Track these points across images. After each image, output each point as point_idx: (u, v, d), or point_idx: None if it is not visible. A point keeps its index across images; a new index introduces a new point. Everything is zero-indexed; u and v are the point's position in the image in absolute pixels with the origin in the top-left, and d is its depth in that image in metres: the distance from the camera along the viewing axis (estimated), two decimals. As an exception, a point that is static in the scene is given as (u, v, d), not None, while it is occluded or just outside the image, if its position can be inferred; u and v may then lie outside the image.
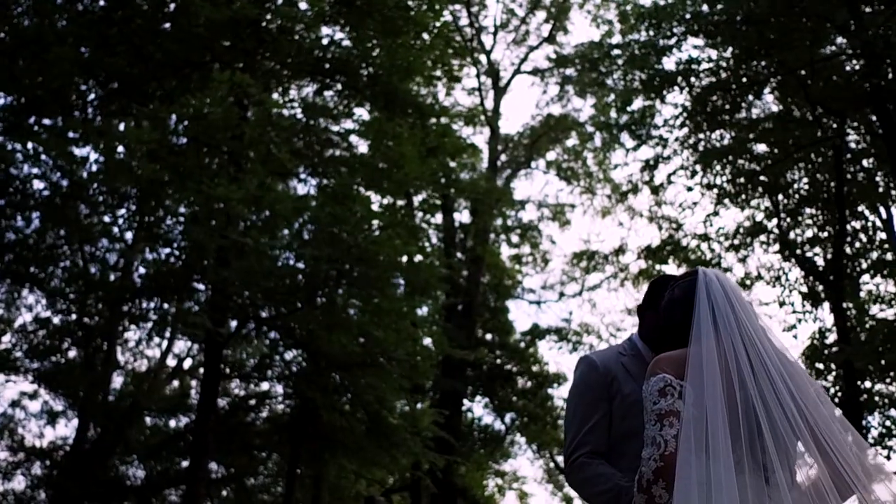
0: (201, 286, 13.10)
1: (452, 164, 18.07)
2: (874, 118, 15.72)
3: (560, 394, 21.11)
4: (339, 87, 14.85)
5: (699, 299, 2.54)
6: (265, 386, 16.50)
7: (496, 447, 20.58)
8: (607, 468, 2.92)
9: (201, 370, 19.94)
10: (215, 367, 12.08)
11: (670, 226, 18.77)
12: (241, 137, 11.38)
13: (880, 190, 16.82)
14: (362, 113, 14.79)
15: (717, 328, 2.47)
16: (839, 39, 15.20)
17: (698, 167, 17.01)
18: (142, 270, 15.08)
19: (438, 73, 17.72)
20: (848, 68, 15.31)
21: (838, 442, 2.40)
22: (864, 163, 17.14)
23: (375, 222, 11.53)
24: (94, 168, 12.36)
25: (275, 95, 13.97)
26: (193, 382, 19.91)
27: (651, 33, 16.38)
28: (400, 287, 12.31)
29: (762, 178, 16.53)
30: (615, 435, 2.99)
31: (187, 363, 19.50)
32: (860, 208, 17.01)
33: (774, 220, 17.02)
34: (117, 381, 18.82)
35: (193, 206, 10.94)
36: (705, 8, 14.97)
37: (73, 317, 15.89)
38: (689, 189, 16.40)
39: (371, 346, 11.91)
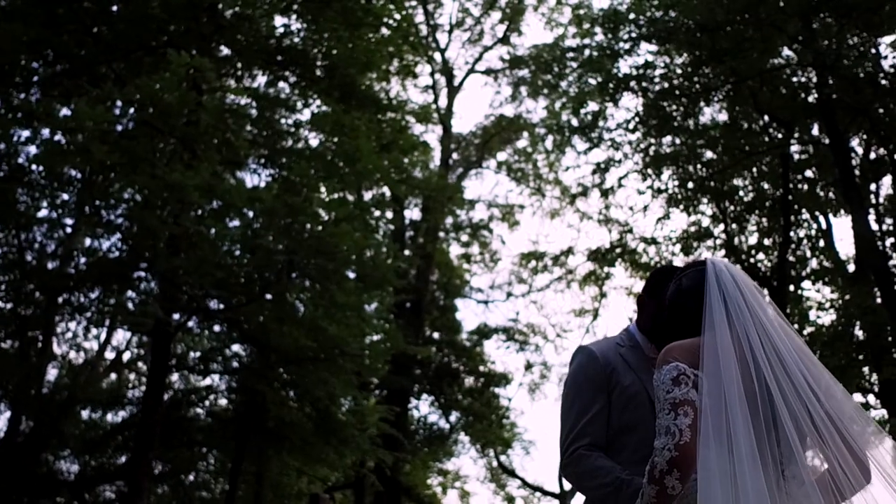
0: (145, 275, 12.75)
1: (405, 161, 17.96)
2: (816, 129, 16.21)
3: (506, 393, 21.26)
4: (294, 78, 14.62)
5: (710, 288, 2.50)
6: (208, 380, 16.14)
7: (440, 445, 20.53)
8: (606, 461, 2.84)
9: (140, 363, 19.47)
10: (163, 358, 11.75)
11: (621, 228, 19.01)
12: (197, 123, 11.08)
13: (821, 200, 17.33)
14: (318, 105, 14.57)
15: (729, 317, 2.43)
16: (786, 52, 15.61)
17: (649, 171, 17.27)
18: (83, 259, 14.61)
19: (395, 67, 17.65)
20: (795, 80, 15.73)
21: (855, 433, 2.36)
22: (807, 173, 17.65)
23: (332, 215, 11.33)
24: (37, 150, 11.90)
25: (230, 83, 13.67)
26: (132, 376, 19.37)
27: (607, 37, 16.55)
28: (355, 281, 12.12)
29: (710, 184, 16.85)
30: (614, 427, 2.90)
31: (126, 356, 18.96)
32: (803, 217, 17.49)
33: (721, 226, 17.39)
34: (52, 373, 18.20)
35: (144, 191, 10.59)
36: (660, 14, 15.15)
37: (8, 306, 15.29)
38: (641, 192, 16.60)
39: (324, 340, 11.72)
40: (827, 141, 15.33)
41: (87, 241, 14.85)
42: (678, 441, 2.25)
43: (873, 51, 13.97)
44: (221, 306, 12.54)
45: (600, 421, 2.89)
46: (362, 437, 13.92)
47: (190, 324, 14.14)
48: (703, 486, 2.21)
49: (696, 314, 2.49)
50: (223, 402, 16.66)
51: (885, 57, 14.01)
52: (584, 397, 2.94)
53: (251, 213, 11.71)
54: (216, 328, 14.59)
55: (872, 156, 15.83)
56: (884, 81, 13.35)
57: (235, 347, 14.60)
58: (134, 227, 11.32)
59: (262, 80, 15.06)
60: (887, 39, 14.33)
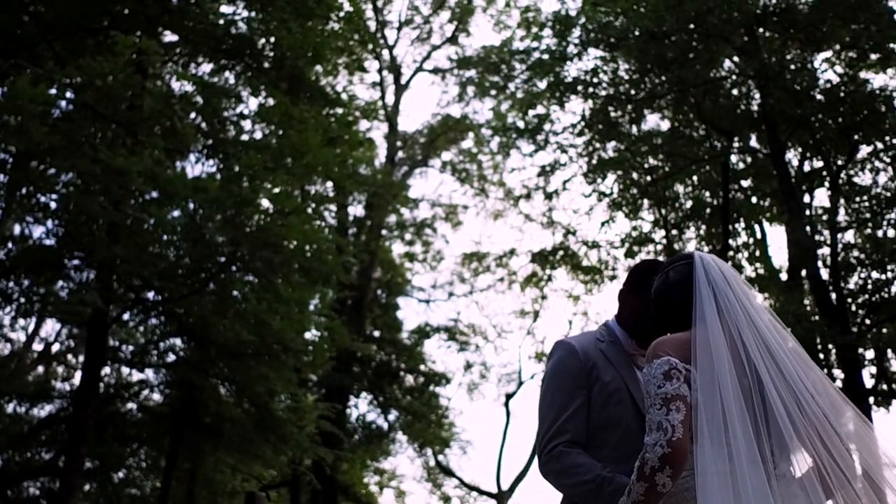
0: (80, 264, 12.30)
1: (349, 158, 17.80)
2: (754, 140, 16.63)
3: (445, 393, 21.25)
4: (241, 67, 14.33)
5: (698, 281, 2.48)
6: (141, 373, 15.68)
7: (378, 444, 20.39)
8: (587, 458, 2.77)
9: (70, 356, 18.84)
10: (99, 350, 11.34)
11: (564, 231, 19.19)
12: (140, 108, 10.74)
13: (758, 209, 17.79)
14: (265, 96, 14.31)
15: (719, 310, 2.41)
16: (728, 63, 15.97)
17: (593, 175, 17.46)
18: (11, 245, 14.03)
19: (342, 61, 17.46)
20: (737, 91, 16.11)
21: (844, 431, 2.35)
22: (745, 182, 18.10)
23: (280, 207, 11.10)
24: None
25: (175, 69, 13.32)
26: (61, 369, 18.74)
27: (556, 40, 16.68)
28: (300, 275, 11.90)
29: (651, 190, 17.12)
30: (594, 424, 2.83)
31: (56, 347, 18.32)
32: (740, 225, 17.91)
33: (662, 232, 17.70)
34: (-25, 364, 17.45)
35: (84, 175, 10.21)
36: (610, 20, 15.31)
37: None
38: (586, 196, 16.77)
39: (266, 335, 11.48)
40: (765, 152, 15.76)
41: (17, 228, 14.30)
42: (670, 437, 2.21)
43: (812, 66, 14.42)
44: (160, 297, 12.19)
45: (580, 417, 2.83)
46: (301, 434, 13.71)
47: (125, 316, 13.74)
48: (701, 485, 2.18)
49: (685, 307, 2.48)
50: (157, 396, 16.22)
51: (825, 70, 14.48)
52: (563, 393, 2.87)
53: (195, 204, 11.41)
54: (153, 320, 14.20)
55: (807, 168, 16.32)
56: (819, 96, 13.77)
57: (172, 341, 14.21)
58: (70, 213, 10.89)
59: (207, 68, 14.76)
60: (827, 54, 14.83)
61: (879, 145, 14.50)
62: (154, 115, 10.74)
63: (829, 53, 14.71)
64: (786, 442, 2.25)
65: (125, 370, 16.64)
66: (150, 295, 12.23)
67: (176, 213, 11.99)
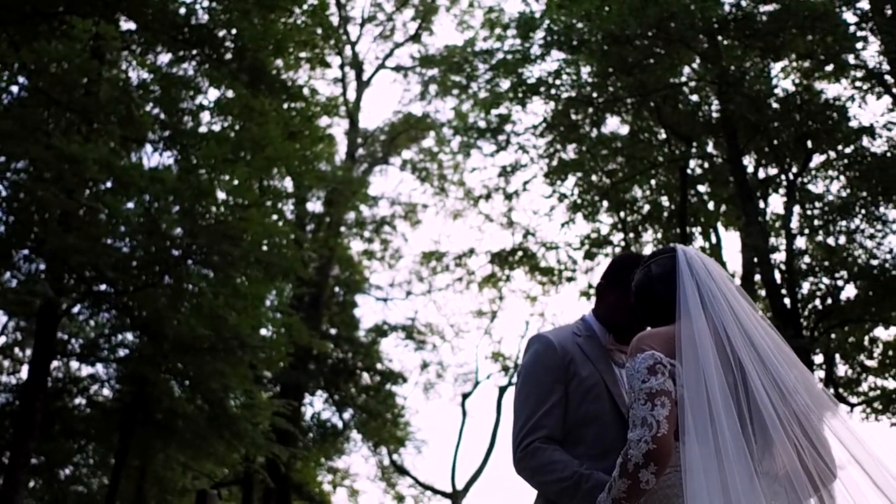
0: (29, 254, 11.95)
1: (308, 153, 17.62)
2: (711, 146, 16.87)
3: (402, 392, 21.16)
4: (200, 58, 14.09)
5: (682, 275, 2.44)
6: (92, 367, 15.31)
7: (332, 443, 20.22)
8: (564, 454, 2.70)
9: (17, 349, 18.31)
10: (48, 343, 11.02)
11: (524, 232, 19.25)
12: (97, 95, 10.47)
13: (714, 214, 18.06)
14: (225, 88, 14.07)
15: (704, 305, 2.37)
16: (687, 70, 16.18)
17: (554, 177, 17.54)
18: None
19: (305, 55, 17.27)
20: (695, 97, 16.32)
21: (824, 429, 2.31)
22: (700, 188, 18.35)
23: (239, 200, 10.92)
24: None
25: (132, 58, 13.03)
26: (7, 362, 18.21)
27: (518, 42, 16.72)
28: (259, 270, 11.70)
29: (611, 192, 17.26)
30: (571, 420, 2.77)
31: (1, 340, 17.80)
32: (696, 230, 18.16)
33: (620, 235, 17.85)
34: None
35: (37, 162, 9.91)
36: (574, 22, 15.38)
37: None
38: (547, 197, 16.84)
39: (223, 330, 11.28)
40: (723, 157, 15.99)
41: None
42: (655, 433, 2.16)
43: (768, 74, 14.66)
44: (113, 290, 11.91)
45: (557, 413, 2.76)
46: (256, 431, 13.53)
47: (76, 308, 13.40)
48: (688, 482, 2.14)
49: (668, 301, 2.44)
50: (107, 392, 15.86)
51: (783, 79, 14.74)
52: (541, 388, 2.80)
53: (151, 195, 11.16)
54: (104, 313, 13.87)
55: (762, 175, 16.61)
56: (775, 105, 14.02)
57: (124, 335, 13.90)
58: (21, 201, 10.57)
59: (166, 58, 14.48)
60: (784, 63, 15.11)
61: (832, 154, 14.83)
62: (111, 103, 10.48)
63: (785, 63, 14.99)
64: (769, 438, 2.21)
65: (74, 364, 16.26)
66: (103, 287, 11.94)
67: (131, 205, 11.74)
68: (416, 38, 23.06)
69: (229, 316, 11.33)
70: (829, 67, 15.02)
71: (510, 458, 2.82)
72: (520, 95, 16.55)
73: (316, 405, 20.19)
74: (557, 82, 16.24)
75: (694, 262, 2.47)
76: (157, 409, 13.21)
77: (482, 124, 18.64)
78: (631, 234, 18.14)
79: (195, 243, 10.58)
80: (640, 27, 13.30)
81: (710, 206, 18.34)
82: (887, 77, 14.44)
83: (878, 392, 14.68)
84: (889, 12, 14.12)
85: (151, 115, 11.82)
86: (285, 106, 14.23)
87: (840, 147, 14.56)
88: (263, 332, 12.89)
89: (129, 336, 14.14)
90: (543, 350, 2.87)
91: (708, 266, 2.47)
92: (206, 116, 13.58)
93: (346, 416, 20.22)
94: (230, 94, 13.57)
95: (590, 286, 18.80)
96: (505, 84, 16.99)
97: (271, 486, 15.76)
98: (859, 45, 13.69)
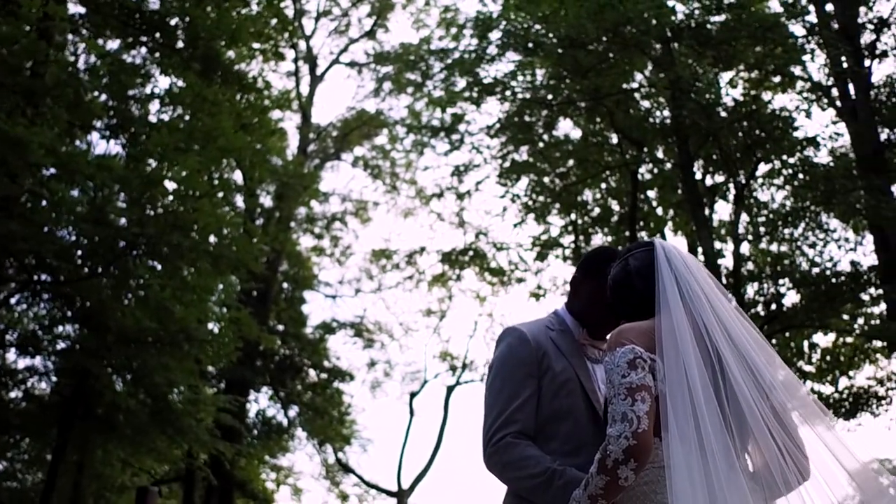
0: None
1: (260, 146, 17.37)
2: (661, 151, 17.14)
3: (350, 390, 20.99)
4: (151, 45, 13.78)
5: (661, 269, 2.42)
6: (32, 359, 14.82)
7: (277, 440, 19.97)
8: (536, 450, 2.65)
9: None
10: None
11: (475, 232, 19.29)
12: (43, 77, 10.15)
13: (662, 219, 18.35)
14: (177, 76, 13.79)
15: (683, 299, 2.34)
16: (639, 76, 16.41)
17: (506, 178, 17.62)
18: None
19: (258, 46, 17.01)
20: (648, 102, 16.56)
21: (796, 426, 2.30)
22: (650, 193, 18.63)
23: (191, 191, 10.68)
24: None
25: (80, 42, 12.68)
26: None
27: (474, 42, 16.75)
28: (209, 262, 11.44)
29: (562, 195, 17.40)
30: (543, 415, 2.72)
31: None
32: (644, 234, 18.41)
33: (571, 237, 18.01)
34: None
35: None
36: (530, 24, 15.45)
37: None
38: (501, 197, 16.91)
39: (169, 322, 11.03)
40: (673, 163, 16.26)
41: None
42: (636, 429, 2.12)
43: (718, 83, 14.94)
44: (54, 279, 11.56)
45: (530, 407, 2.71)
46: (200, 427, 13.28)
47: (14, 299, 12.97)
48: (672, 480, 2.11)
49: (646, 296, 2.42)
50: (45, 385, 15.38)
51: (733, 88, 15.03)
52: (514, 381, 2.74)
53: (98, 182, 10.86)
54: (45, 304, 13.46)
55: (709, 182, 16.93)
56: (724, 113, 14.29)
57: (66, 326, 13.50)
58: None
59: (116, 44, 14.13)
60: (733, 73, 15.40)
61: (778, 164, 15.19)
62: (58, 86, 10.16)
63: (734, 73, 15.29)
64: (746, 433, 2.20)
65: (11, 356, 15.73)
66: (45, 276, 11.58)
67: (76, 192, 11.41)
68: (371, 34, 22.95)
69: (176, 308, 11.08)
70: (777, 79, 15.40)
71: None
72: (475, 95, 16.58)
73: (261, 402, 19.95)
74: (513, 84, 16.31)
75: (672, 255, 2.45)
76: (98, 404, 12.85)
77: (436, 123, 18.66)
78: (581, 237, 18.33)
79: (143, 233, 10.32)
80: (597, 31, 13.42)
81: (659, 211, 18.65)
82: (832, 90, 14.87)
83: (815, 397, 15.11)
84: (836, 26, 14.53)
85: (100, 100, 11.50)
86: (238, 97, 14.02)
87: (785, 157, 14.93)
88: (211, 326, 12.65)
89: (70, 328, 13.75)
90: (517, 343, 2.81)
91: (686, 260, 2.46)
92: (156, 105, 13.29)
93: (292, 413, 20.00)
94: (182, 83, 13.30)
95: (539, 287, 18.93)
96: (460, 83, 17.01)
97: (214, 483, 15.47)
98: (806, 57, 14.05)
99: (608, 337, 2.38)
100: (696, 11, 13.42)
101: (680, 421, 2.15)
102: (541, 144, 17.14)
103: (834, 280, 13.89)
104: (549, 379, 2.74)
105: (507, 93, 16.49)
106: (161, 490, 17.88)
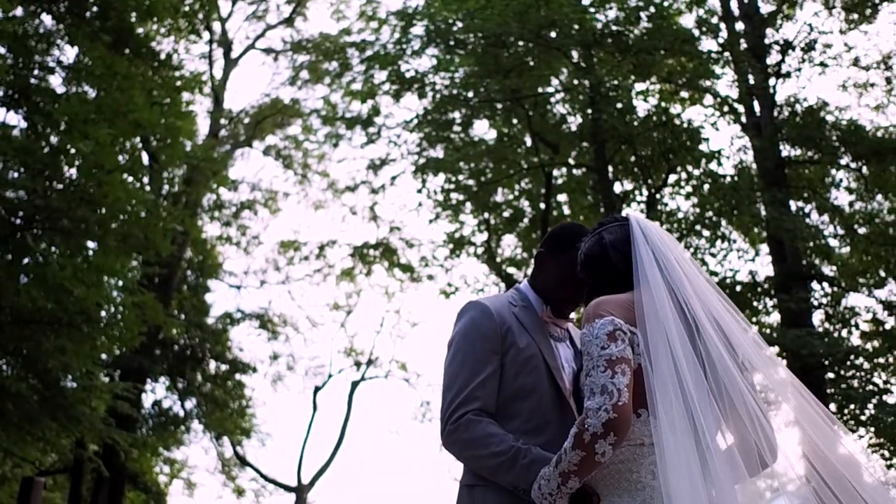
0: None
1: (170, 123, 16.74)
2: (573, 156, 17.47)
3: (251, 383, 20.49)
4: (59, 13, 13.10)
5: (637, 243, 2.39)
6: None
7: (172, 433, 19.29)
8: (498, 428, 2.56)
9: None
10: None
11: (389, 227, 19.18)
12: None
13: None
14: (86, 48, 13.14)
15: (662, 273, 2.31)
16: (555, 82, 16.68)
17: (421, 174, 17.58)
18: None
19: (171, 23, 16.45)
20: (564, 109, 16.84)
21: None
22: (560, 197, 18.96)
23: (99, 163, 10.14)
24: None
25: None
26: None
27: (395, 36, 16.66)
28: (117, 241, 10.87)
29: (480, 194, 17.48)
30: (506, 393, 2.64)
31: None
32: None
33: (483, 236, 18.13)
34: None
35: None
36: (452, 20, 15.45)
37: None
38: (419, 191, 16.86)
39: (69, 303, 10.46)
40: (585, 168, 16.59)
41: None
42: (616, 401, 2.06)
43: (631, 93, 15.33)
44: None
45: (492, 384, 2.63)
46: (94, 415, 12.68)
47: None
48: (664, 456, 2.06)
49: (622, 270, 2.38)
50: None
51: (645, 98, 15.43)
52: (476, 357, 2.65)
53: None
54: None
55: (619, 188, 17.35)
56: (635, 122, 14.68)
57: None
58: None
59: (20, 10, 13.36)
60: (646, 85, 15.82)
61: (684, 174, 15.71)
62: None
63: (647, 84, 15.72)
64: (726, 410, 2.16)
65: None
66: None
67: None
68: (289, 21, 22.52)
69: (76, 289, 10.52)
70: (685, 94, 15.94)
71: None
72: (395, 88, 16.49)
73: (158, 392, 19.24)
74: (434, 80, 16.30)
75: (648, 230, 2.43)
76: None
77: (353, 115, 18.45)
78: (493, 237, 18.47)
79: (45, 206, 9.74)
80: (522, 31, 13.55)
81: (568, 214, 18.98)
82: (739, 105, 15.49)
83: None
84: (744, 45, 15.15)
85: (2, 68, 10.84)
86: (150, 74, 13.48)
87: (690, 168, 15.47)
88: (113, 309, 12.09)
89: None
90: (480, 317, 2.72)
91: (662, 235, 2.44)
92: (63, 76, 12.63)
93: (189, 405, 19.36)
94: (91, 56, 12.69)
95: (450, 285, 18.98)
96: (380, 76, 16.89)
97: (105, 475, 14.81)
98: (718, 69, 14.58)
99: (584, 309, 2.33)
100: (620, 17, 13.72)
101: (666, 396, 2.10)
102: (458, 142, 17.17)
103: (733, 289, 14.43)
104: (512, 355, 2.67)
105: (427, 88, 16.47)
106: (45, 482, 17.00)
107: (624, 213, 2.61)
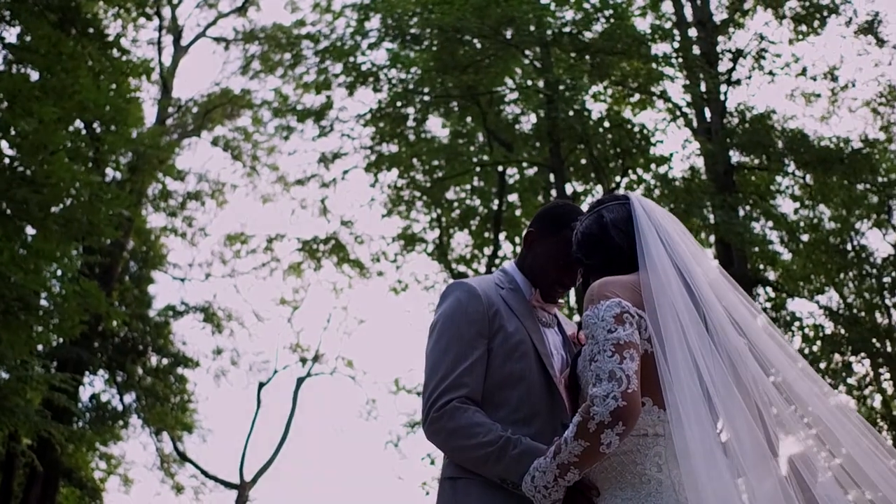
0: None
1: (118, 106, 16.26)
2: (526, 157, 17.52)
3: (193, 377, 20.03)
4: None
5: (639, 222, 2.28)
6: None
7: (109, 427, 18.74)
8: (485, 417, 2.41)
9: None
10: None
11: (340, 221, 18.99)
12: None
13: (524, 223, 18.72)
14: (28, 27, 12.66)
15: (668, 253, 2.20)
16: (510, 83, 16.70)
17: (374, 169, 17.43)
18: None
19: (119, 6, 15.99)
20: (518, 109, 16.87)
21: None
22: (511, 197, 18.99)
23: (41, 142, 9.74)
24: None
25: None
26: None
27: (350, 29, 16.49)
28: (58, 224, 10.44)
29: (433, 190, 17.40)
30: (493, 380, 2.49)
31: None
32: (502, 236, 18.74)
33: (435, 233, 18.05)
34: None
35: None
36: (409, 13, 15.33)
37: None
38: (372, 185, 16.71)
39: (4, 290, 10.03)
40: (538, 166, 16.64)
41: None
42: (625, 388, 1.93)
43: (584, 95, 15.41)
44: None
45: (479, 370, 2.47)
46: (29, 407, 12.23)
47: None
48: (686, 447, 1.94)
49: (623, 249, 2.28)
50: None
51: (595, 101, 15.54)
52: (462, 341, 2.49)
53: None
54: None
55: (570, 189, 17.44)
56: (589, 123, 14.77)
57: None
58: None
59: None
60: (600, 87, 15.93)
61: (635, 177, 15.87)
62: None
63: (600, 87, 15.84)
64: (742, 388, 2.06)
65: None
66: None
67: None
68: (242, 10, 22.12)
69: (14, 275, 10.09)
70: (636, 98, 16.09)
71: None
72: (349, 81, 16.30)
73: (96, 385, 18.66)
74: (389, 74, 16.16)
75: (650, 209, 2.33)
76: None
77: (304, 107, 18.20)
78: (445, 235, 18.41)
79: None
80: (481, 27, 13.49)
81: (519, 214, 19.02)
82: (690, 111, 15.71)
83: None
84: (697, 52, 15.37)
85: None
86: (98, 56, 13.06)
87: (641, 172, 15.64)
88: (52, 297, 11.65)
89: None
90: (466, 298, 2.56)
91: (662, 213, 2.35)
92: (3, 57, 12.15)
93: (129, 398, 18.85)
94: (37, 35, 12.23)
95: (399, 282, 18.87)
96: (334, 69, 16.69)
97: (39, 469, 14.29)
98: (670, 71, 14.75)
99: (588, 290, 2.20)
100: (577, 17, 13.77)
101: (680, 382, 1.99)
102: (412, 137, 17.06)
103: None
104: (500, 340, 2.52)
105: (382, 83, 16.32)
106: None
107: (624, 192, 2.50)
